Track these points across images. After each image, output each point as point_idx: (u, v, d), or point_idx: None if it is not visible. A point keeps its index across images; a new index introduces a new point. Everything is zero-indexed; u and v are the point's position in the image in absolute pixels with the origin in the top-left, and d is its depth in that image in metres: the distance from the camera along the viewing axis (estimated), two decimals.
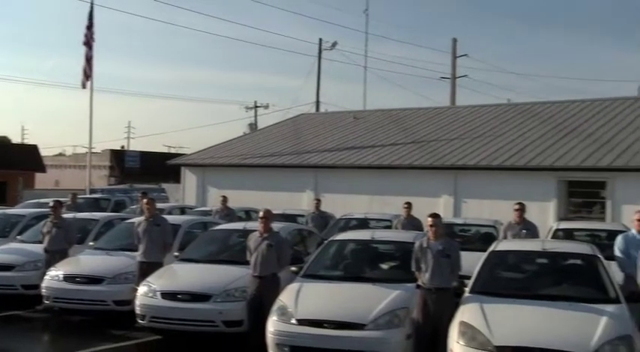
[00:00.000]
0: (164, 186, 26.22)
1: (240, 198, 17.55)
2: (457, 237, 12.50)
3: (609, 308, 6.48)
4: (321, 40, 35.84)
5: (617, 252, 8.43)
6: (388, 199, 16.79)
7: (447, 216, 15.33)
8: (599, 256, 7.49)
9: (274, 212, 13.93)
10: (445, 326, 6.62)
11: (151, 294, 8.28)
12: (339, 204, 17.30)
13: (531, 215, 13.31)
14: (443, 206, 16.87)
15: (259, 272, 8.04)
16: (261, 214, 8.36)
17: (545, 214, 15.20)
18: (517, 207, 10.55)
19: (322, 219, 13.92)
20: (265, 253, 8.06)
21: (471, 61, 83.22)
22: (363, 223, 13.31)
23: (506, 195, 14.73)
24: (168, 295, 8.19)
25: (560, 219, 14.72)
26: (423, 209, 13.11)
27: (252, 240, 8.27)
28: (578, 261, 7.68)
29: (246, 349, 7.88)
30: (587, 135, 17.24)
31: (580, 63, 79.13)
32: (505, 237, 10.05)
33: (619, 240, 8.44)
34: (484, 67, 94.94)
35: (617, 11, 76.16)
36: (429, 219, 7.30)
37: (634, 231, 8.45)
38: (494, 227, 12.10)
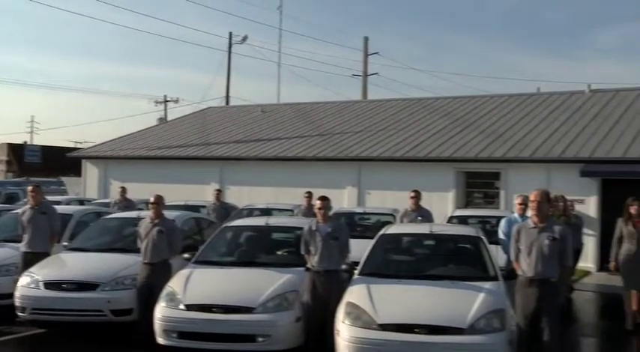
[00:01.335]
0: (63, 179, 25.25)
1: (144, 191, 17.08)
2: (357, 225, 12.76)
3: (487, 285, 6.78)
4: (231, 33, 35.54)
5: (500, 235, 8.84)
6: (293, 191, 16.83)
7: (350, 207, 15.67)
8: (482, 237, 7.82)
9: (177, 203, 13.87)
10: (333, 308, 6.69)
11: (32, 285, 7.91)
12: (245, 196, 17.26)
13: (431, 204, 13.75)
14: (347, 197, 17.17)
15: (149, 258, 7.85)
16: (151, 200, 8.16)
17: (445, 204, 15.71)
18: (413, 194, 10.82)
19: (224, 210, 13.77)
20: (156, 239, 7.86)
21: (383, 59, 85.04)
22: (265, 213, 13.27)
23: (408, 186, 14.86)
24: (51, 285, 7.86)
25: (458, 207, 15.27)
26: None
27: (143, 227, 8.06)
28: (462, 242, 7.99)
29: (136, 338, 7.67)
30: (484, 129, 17.98)
31: (486, 63, 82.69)
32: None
33: (502, 224, 8.86)
34: (395, 65, 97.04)
35: (520, 18, 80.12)
36: (317, 201, 7.36)
37: (516, 215, 8.89)
38: (392, 215, 12.36)
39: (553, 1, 76.99)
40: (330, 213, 7.74)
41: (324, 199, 7.33)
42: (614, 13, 75.13)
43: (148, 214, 8.36)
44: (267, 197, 16.93)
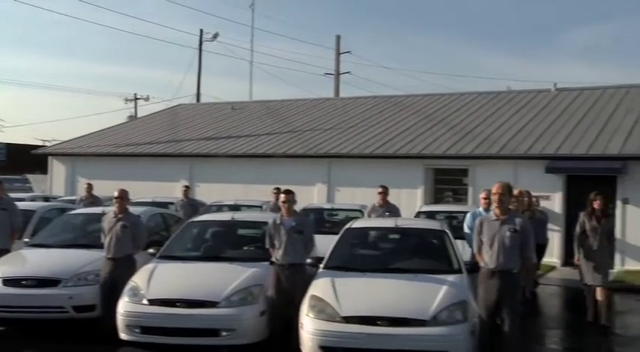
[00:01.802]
0: (29, 177, 24.82)
1: (113, 188, 16.79)
2: (326, 221, 12.79)
3: (451, 278, 6.82)
4: (202, 30, 35.41)
5: (465, 229, 8.95)
6: (264, 188, 16.77)
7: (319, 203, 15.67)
8: (447, 231, 7.88)
9: (144, 200, 13.72)
10: (298, 302, 6.69)
11: None
12: (215, 193, 17.12)
13: (400, 201, 13.85)
14: (317, 194, 17.17)
15: (113, 253, 7.76)
16: (115, 194, 8.08)
17: (414, 200, 15.79)
18: (380, 190, 10.92)
19: (192, 207, 13.69)
20: (120, 234, 7.79)
21: (355, 58, 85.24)
22: (233, 209, 13.16)
23: (377, 183, 14.84)
24: (10, 281, 7.69)
25: (426, 204, 15.36)
26: (298, 198, 13.23)
27: (107, 221, 7.98)
28: (427, 236, 8.03)
29: (99, 334, 7.55)
30: (453, 126, 18.13)
31: (458, 63, 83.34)
32: None
33: (468, 218, 8.96)
34: (368, 64, 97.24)
35: (491, 19, 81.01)
36: (282, 195, 7.35)
37: (481, 209, 8.98)
38: (360, 211, 12.43)
39: (526, 1, 78.16)
40: (298, 208, 7.72)
41: (288, 193, 7.32)
42: (584, 15, 76.57)
43: (112, 209, 8.27)
44: (237, 194, 16.81)
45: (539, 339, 8.65)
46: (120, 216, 7.94)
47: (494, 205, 6.52)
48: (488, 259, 6.40)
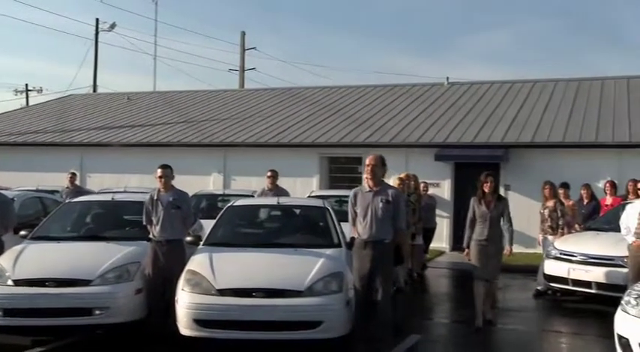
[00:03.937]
0: None
1: None
2: (219, 208, 12.66)
3: (329, 251, 6.92)
4: (97, 19, 34.20)
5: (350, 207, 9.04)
6: None
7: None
8: (328, 208, 7.97)
9: (28, 188, 13.03)
10: (177, 278, 6.56)
11: None
12: (108, 184, 16.55)
13: (295, 189, 13.93)
14: (213, 183, 16.98)
15: None
16: None
17: (309, 188, 15.87)
18: (269, 174, 10.95)
19: (78, 194, 13.10)
20: None
21: (261, 55, 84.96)
22: None
23: None
24: None
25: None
26: (194, 187, 13.06)
27: None
28: (309, 213, 8.12)
29: None
30: (349, 116, 18.43)
31: (363, 62, 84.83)
32: None
33: (351, 196, 9.06)
34: (273, 61, 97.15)
35: (399, 21, 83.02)
36: (158, 170, 7.17)
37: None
38: (252, 196, 12.37)
39: (430, 6, 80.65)
40: (190, 194, 7.55)
41: (164, 167, 7.15)
42: (478, 21, 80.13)
43: None
44: (131, 184, 16.35)
45: (428, 313, 8.96)
46: None
47: (367, 177, 6.62)
48: (361, 230, 6.49)
